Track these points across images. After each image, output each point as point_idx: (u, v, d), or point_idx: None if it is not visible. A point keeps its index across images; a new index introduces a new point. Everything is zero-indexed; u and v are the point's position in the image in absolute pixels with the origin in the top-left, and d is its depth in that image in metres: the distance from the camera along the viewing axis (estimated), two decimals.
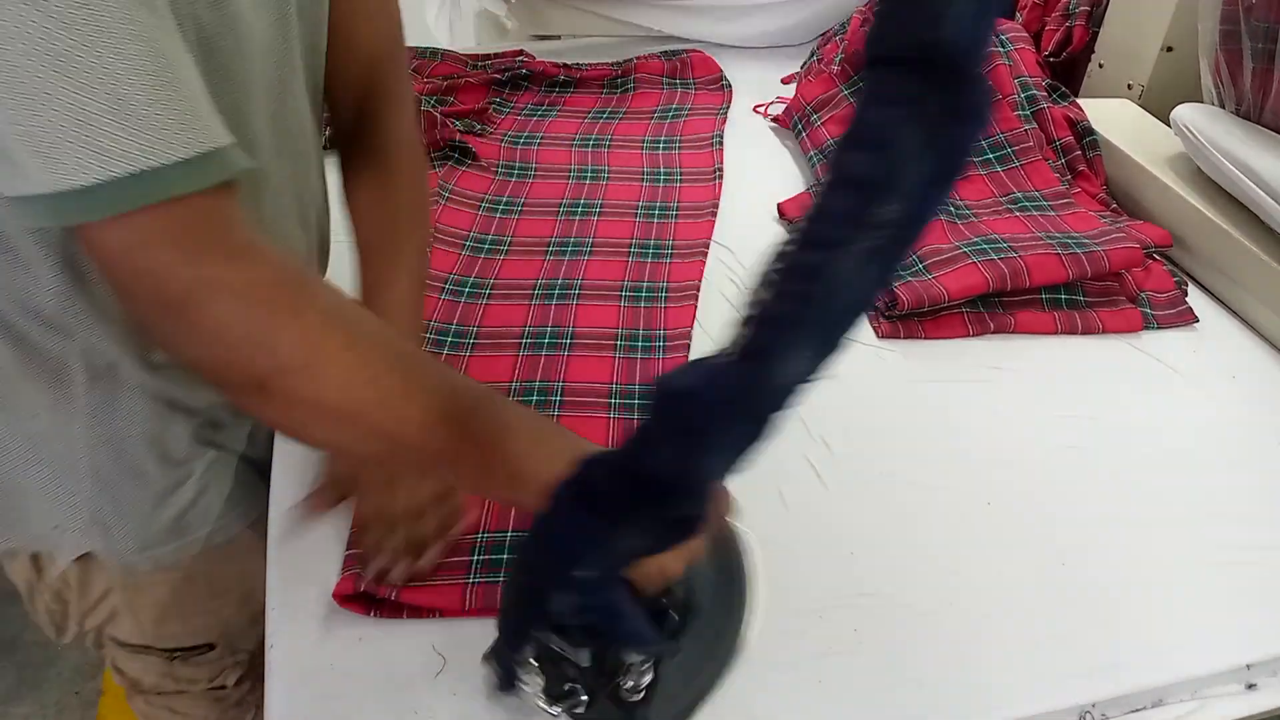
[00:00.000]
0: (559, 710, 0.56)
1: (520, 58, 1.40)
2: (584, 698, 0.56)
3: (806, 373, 0.42)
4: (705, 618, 0.60)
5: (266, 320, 0.47)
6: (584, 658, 0.55)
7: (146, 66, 0.44)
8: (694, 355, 0.91)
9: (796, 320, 0.41)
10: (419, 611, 0.68)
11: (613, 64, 1.41)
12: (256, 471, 0.80)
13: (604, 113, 1.33)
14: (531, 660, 0.55)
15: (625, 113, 1.33)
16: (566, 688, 0.55)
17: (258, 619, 0.82)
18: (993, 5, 0.38)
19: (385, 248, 0.76)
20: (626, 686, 0.55)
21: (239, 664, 0.86)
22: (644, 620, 0.52)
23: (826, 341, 0.42)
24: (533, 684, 0.56)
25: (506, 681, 0.55)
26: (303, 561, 0.71)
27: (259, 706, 0.88)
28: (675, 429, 0.43)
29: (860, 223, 0.39)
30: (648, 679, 0.56)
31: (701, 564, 0.57)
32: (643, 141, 1.27)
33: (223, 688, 0.87)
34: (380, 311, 0.72)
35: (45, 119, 0.43)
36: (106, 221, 0.45)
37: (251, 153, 0.57)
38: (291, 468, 0.78)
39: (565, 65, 1.40)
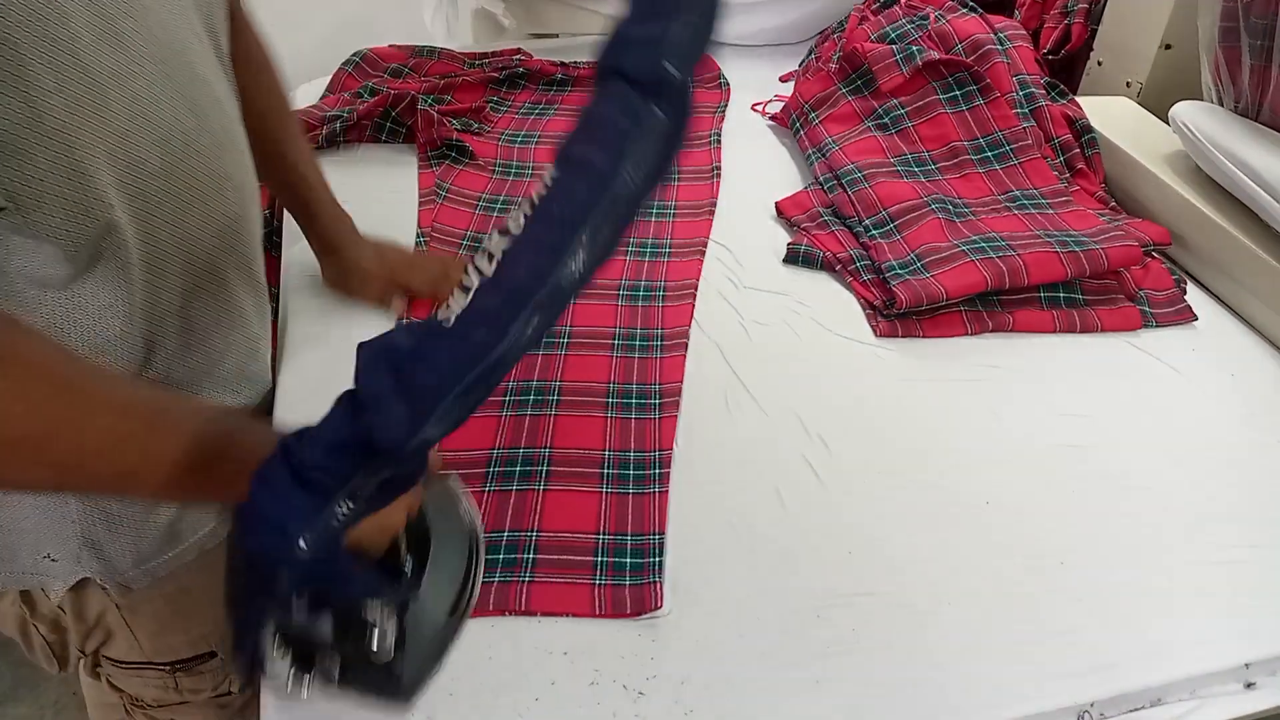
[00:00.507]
0: (309, 687, 0.54)
1: (518, 56, 1.39)
2: (336, 668, 0.54)
3: (530, 344, 0.44)
4: (436, 563, 0.59)
5: None
6: (326, 628, 0.53)
7: None
8: (691, 354, 0.91)
9: (528, 291, 0.44)
10: None
11: None
12: None
13: None
14: (275, 643, 0.53)
15: None
16: (317, 662, 0.54)
17: None
18: (708, 43, 0.48)
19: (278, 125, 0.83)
20: (374, 649, 0.54)
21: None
22: (374, 575, 0.54)
23: (554, 315, 0.45)
24: (282, 665, 0.54)
25: (254, 668, 0.54)
26: None
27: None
28: (403, 392, 0.44)
29: (588, 209, 0.45)
30: (392, 636, 0.54)
31: (422, 512, 0.59)
32: None
33: (228, 694, 0.86)
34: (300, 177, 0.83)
35: None
36: None
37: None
38: None
39: (563, 64, 1.39)
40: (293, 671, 0.54)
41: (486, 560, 0.70)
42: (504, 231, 0.46)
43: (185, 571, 0.76)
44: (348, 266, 0.93)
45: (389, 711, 0.56)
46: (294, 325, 0.92)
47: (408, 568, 0.58)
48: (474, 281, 0.45)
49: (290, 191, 0.91)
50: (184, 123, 0.63)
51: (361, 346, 0.46)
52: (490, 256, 0.45)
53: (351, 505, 0.47)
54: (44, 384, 0.48)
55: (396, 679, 0.55)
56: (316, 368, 0.86)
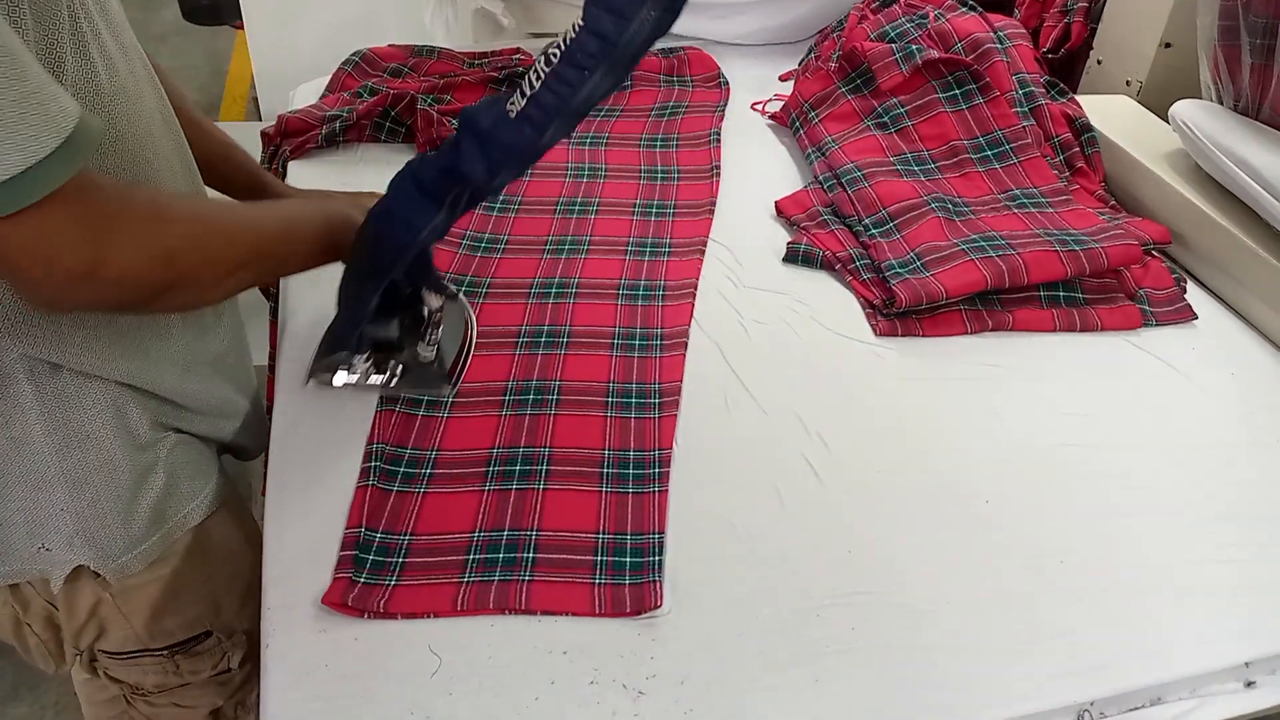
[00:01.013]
0: (370, 380, 0.82)
1: (517, 56, 1.39)
2: (398, 368, 0.82)
3: (548, 145, 0.65)
4: (448, 316, 0.86)
5: (159, 245, 0.60)
6: (394, 329, 0.82)
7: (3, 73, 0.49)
8: (691, 353, 0.91)
9: (556, 110, 0.63)
10: (413, 614, 0.67)
11: None
12: (216, 452, 0.83)
13: (601, 110, 1.32)
14: (357, 352, 0.81)
15: (622, 110, 1.33)
16: (389, 364, 0.82)
17: (249, 596, 0.83)
18: None
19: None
20: (423, 354, 0.83)
21: (238, 645, 0.86)
22: (438, 271, 0.83)
23: (564, 132, 0.65)
24: (360, 369, 0.81)
25: (332, 373, 0.82)
26: (298, 560, 0.70)
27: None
28: (480, 149, 0.66)
29: (598, 56, 0.60)
30: (434, 341, 0.83)
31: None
32: (640, 139, 1.27)
33: (227, 671, 0.87)
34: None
35: None
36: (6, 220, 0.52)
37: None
38: (288, 462, 0.78)
39: None
40: (367, 367, 0.81)
41: (485, 560, 0.71)
42: (547, 55, 0.62)
43: (173, 554, 0.77)
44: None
45: (433, 394, 0.84)
46: (293, 325, 0.92)
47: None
48: (529, 89, 0.63)
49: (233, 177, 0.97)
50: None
51: (460, 118, 0.67)
52: (539, 75, 0.62)
53: (447, 214, 0.70)
54: (244, 226, 0.70)
55: (442, 369, 0.84)
56: None
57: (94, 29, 0.62)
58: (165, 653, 0.83)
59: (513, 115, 0.64)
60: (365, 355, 0.81)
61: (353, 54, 1.35)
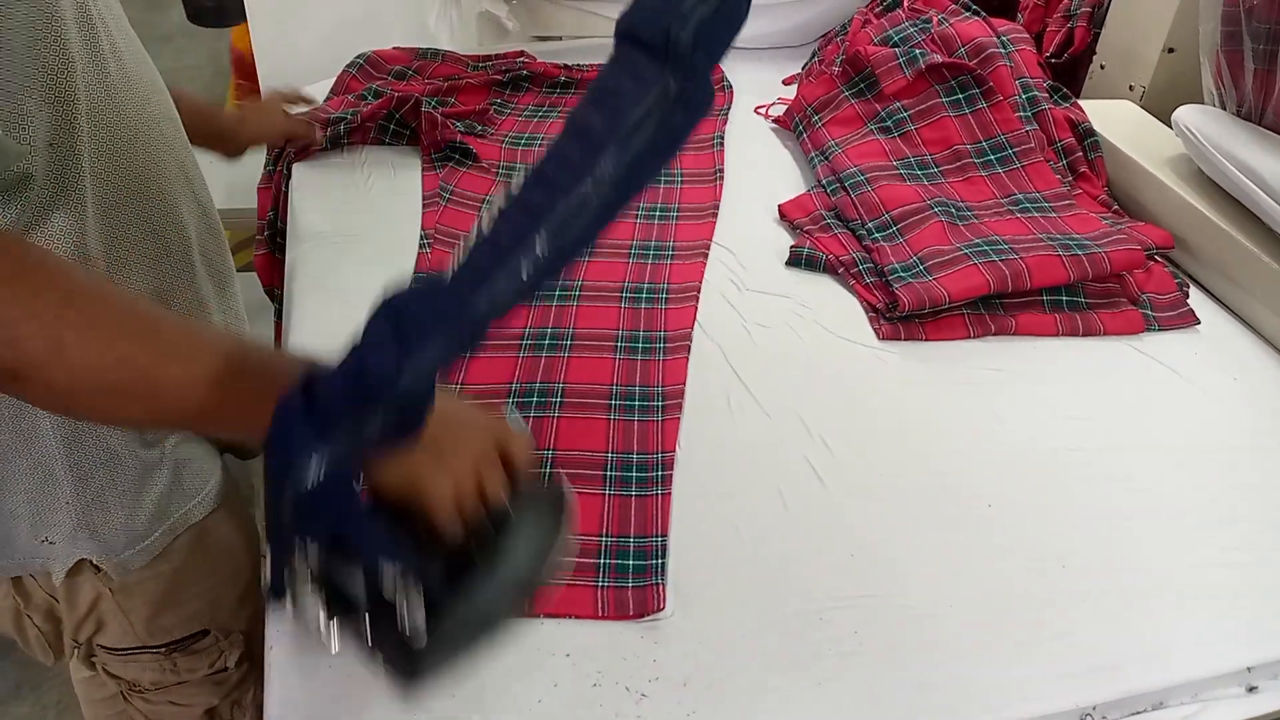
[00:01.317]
0: (337, 638, 0.52)
1: (521, 59, 1.40)
2: (366, 627, 0.52)
3: (514, 299, 0.47)
4: (506, 560, 0.55)
5: (5, 314, 0.47)
6: (356, 582, 0.51)
7: None
8: (694, 356, 0.91)
9: (514, 250, 0.47)
10: None
11: None
12: (219, 451, 0.82)
13: None
14: (309, 583, 0.52)
15: None
16: (349, 616, 0.52)
17: (247, 596, 0.83)
18: (734, 21, 0.48)
19: None
20: (402, 618, 0.51)
21: (235, 644, 0.87)
22: (390, 537, 0.52)
23: (538, 274, 0.47)
24: (313, 607, 0.52)
25: (281, 595, 0.52)
26: None
27: (258, 683, 0.88)
28: (393, 335, 0.47)
29: (584, 172, 0.46)
30: (414, 611, 0.51)
31: (513, 509, 0.56)
32: None
33: (224, 670, 0.87)
34: None
35: None
36: None
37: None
38: None
39: (566, 66, 1.40)
40: (323, 617, 0.52)
41: None
42: (507, 193, 0.48)
43: (174, 551, 0.77)
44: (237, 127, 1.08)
45: (395, 688, 0.53)
46: (297, 321, 0.92)
47: (475, 559, 0.55)
48: (474, 237, 0.48)
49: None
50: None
51: (381, 297, 0.49)
52: (491, 216, 0.48)
53: (355, 443, 0.47)
54: (129, 331, 0.51)
55: (413, 659, 0.51)
56: None
57: (105, 28, 0.62)
58: (163, 650, 0.83)
59: (447, 277, 0.48)
60: (315, 595, 0.52)
61: (357, 56, 1.36)
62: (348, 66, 1.35)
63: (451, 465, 0.54)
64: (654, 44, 0.47)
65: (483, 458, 0.56)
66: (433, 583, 0.51)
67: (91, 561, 0.74)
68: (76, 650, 0.82)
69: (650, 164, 0.48)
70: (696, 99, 0.48)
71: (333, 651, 0.52)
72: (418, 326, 0.47)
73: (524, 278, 0.47)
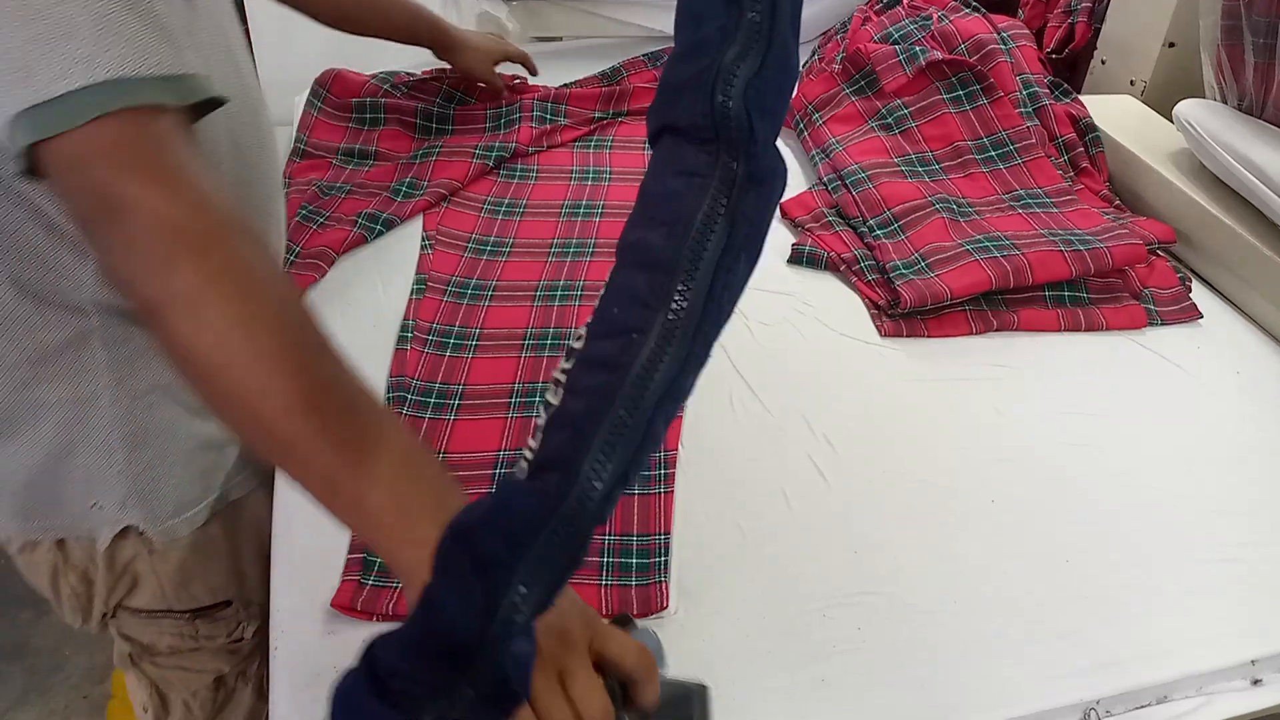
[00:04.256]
0: None
1: (516, 80, 1.35)
2: None
3: (615, 481, 0.37)
4: None
5: (167, 250, 0.46)
6: None
7: None
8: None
9: (596, 419, 0.37)
10: None
11: (600, 76, 1.37)
12: None
13: (606, 114, 1.32)
14: None
15: (627, 113, 1.33)
16: None
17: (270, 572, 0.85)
18: (785, 76, 0.38)
19: None
20: None
21: (254, 616, 0.89)
22: None
23: (636, 442, 0.37)
24: None
25: None
26: (307, 564, 0.71)
27: (264, 659, 0.90)
28: (465, 570, 0.37)
29: (652, 305, 0.37)
30: None
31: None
32: (644, 142, 1.26)
33: (240, 640, 0.90)
34: None
35: (26, 35, 0.46)
36: (61, 137, 0.47)
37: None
38: None
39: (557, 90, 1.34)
40: None
41: None
42: (569, 354, 0.38)
43: (213, 522, 0.80)
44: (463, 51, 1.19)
45: None
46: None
47: None
48: (543, 419, 0.38)
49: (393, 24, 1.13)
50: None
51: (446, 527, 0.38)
52: (558, 384, 0.38)
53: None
54: (271, 319, 0.47)
55: None
56: None
57: None
58: (187, 615, 0.85)
59: (521, 473, 0.38)
60: None
61: (312, 94, 1.23)
62: (307, 104, 1.22)
63: (537, 683, 0.43)
64: (698, 125, 0.37)
65: (575, 664, 0.45)
66: None
67: (137, 528, 0.76)
68: (105, 614, 0.84)
69: (738, 267, 0.38)
70: (766, 173, 0.38)
71: None
72: (494, 554, 0.36)
73: (619, 451, 0.37)
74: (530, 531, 0.36)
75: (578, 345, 0.38)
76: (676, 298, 0.37)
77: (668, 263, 0.37)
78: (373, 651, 0.38)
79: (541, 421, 0.38)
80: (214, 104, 0.54)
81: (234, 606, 0.87)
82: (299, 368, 0.46)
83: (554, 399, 0.38)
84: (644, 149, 1.25)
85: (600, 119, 1.30)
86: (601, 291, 0.39)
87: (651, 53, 1.43)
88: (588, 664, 0.45)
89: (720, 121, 0.37)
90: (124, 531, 0.77)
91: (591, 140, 1.26)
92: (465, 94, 1.26)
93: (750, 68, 0.37)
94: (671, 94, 0.39)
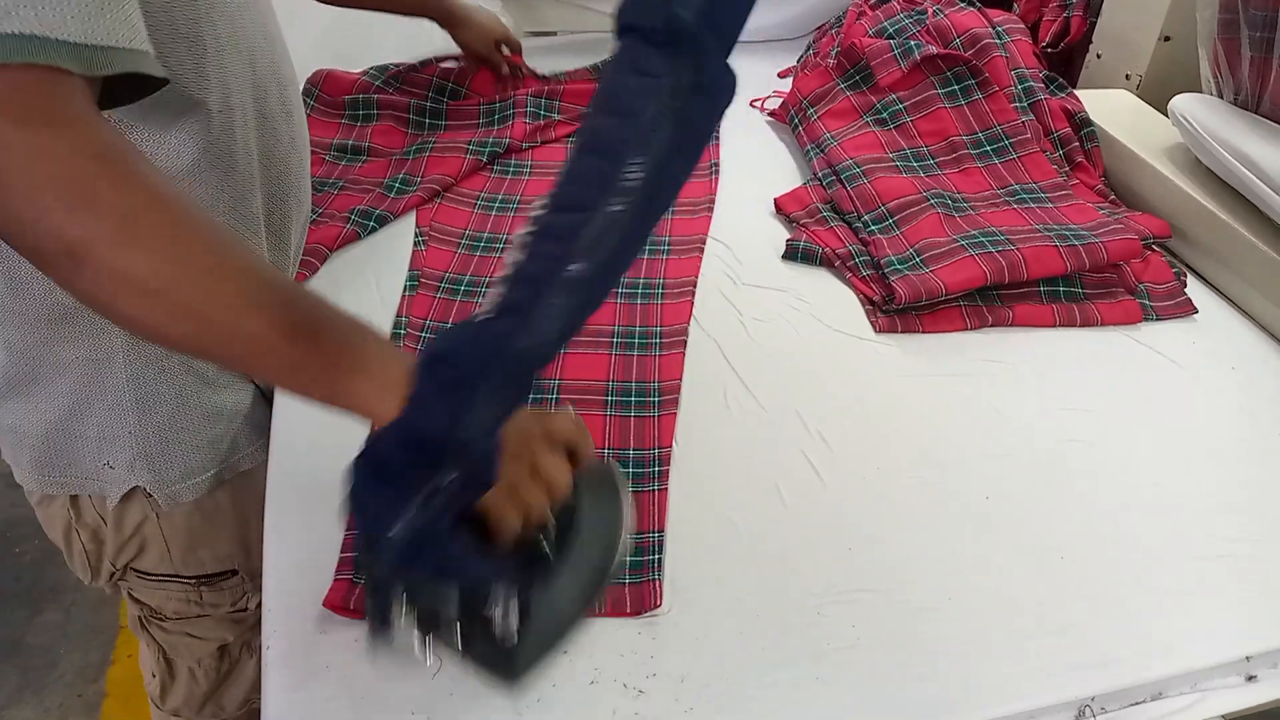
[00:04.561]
0: (433, 652, 0.54)
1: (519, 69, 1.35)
2: (458, 639, 0.53)
3: (561, 330, 0.46)
4: (575, 551, 0.57)
5: (86, 187, 0.46)
6: (451, 601, 0.52)
7: None
8: (690, 351, 0.91)
9: (548, 280, 0.44)
10: None
11: (593, 69, 1.36)
12: (269, 405, 0.85)
13: None
14: (402, 610, 0.53)
15: None
16: (442, 630, 0.53)
17: None
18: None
19: None
20: (497, 625, 0.52)
21: (258, 588, 0.89)
22: (487, 562, 0.52)
23: (580, 301, 0.45)
24: (407, 631, 0.53)
25: (382, 630, 0.53)
26: (299, 563, 0.70)
27: None
28: (439, 389, 0.46)
29: (606, 185, 0.43)
30: (513, 620, 0.53)
31: (574, 496, 0.57)
32: None
33: (244, 610, 0.91)
34: None
35: None
36: None
37: None
38: (289, 466, 0.78)
39: (549, 80, 1.34)
40: (418, 636, 0.54)
41: None
42: (531, 221, 0.46)
43: (220, 491, 0.82)
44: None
45: (498, 689, 0.56)
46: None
47: (548, 550, 0.57)
48: (503, 273, 0.46)
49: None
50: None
51: (421, 348, 0.48)
52: (522, 246, 0.46)
53: (435, 499, 0.47)
54: (200, 236, 0.49)
55: (511, 660, 0.54)
56: None
57: None
58: (193, 581, 0.87)
59: (479, 318, 0.47)
60: (408, 618, 0.53)
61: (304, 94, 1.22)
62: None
63: (515, 472, 0.53)
64: (657, 30, 0.43)
65: (542, 458, 0.54)
66: (518, 585, 0.53)
67: (144, 489, 0.78)
68: (113, 574, 0.86)
69: (677, 164, 0.45)
70: (715, 84, 0.44)
71: (428, 665, 0.56)
72: (464, 378, 0.46)
73: (565, 307, 0.45)
74: (491, 363, 0.45)
75: (540, 214, 0.45)
76: (626, 178, 0.43)
77: (618, 146, 0.43)
78: (375, 439, 0.48)
79: (501, 279, 0.46)
80: (161, 83, 0.52)
81: (239, 576, 0.89)
82: (239, 270, 0.49)
83: (518, 257, 0.46)
84: None
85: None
86: (561, 168, 0.45)
87: None
88: (547, 451, 0.54)
89: (673, 30, 0.43)
90: (132, 493, 0.79)
91: None
92: (456, 84, 1.25)
93: None
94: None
